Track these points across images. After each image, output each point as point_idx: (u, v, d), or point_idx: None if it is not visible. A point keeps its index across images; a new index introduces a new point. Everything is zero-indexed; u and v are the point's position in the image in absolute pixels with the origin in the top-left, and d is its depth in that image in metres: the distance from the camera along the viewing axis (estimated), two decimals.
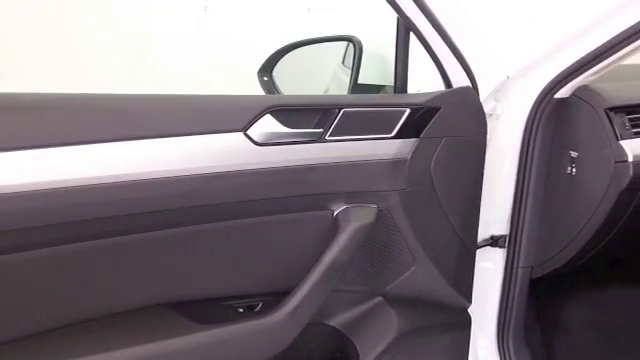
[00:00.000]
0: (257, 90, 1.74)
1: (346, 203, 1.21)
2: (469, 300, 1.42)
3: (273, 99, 1.18)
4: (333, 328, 1.35)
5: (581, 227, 1.31)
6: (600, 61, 1.14)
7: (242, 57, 2.26)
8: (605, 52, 1.12)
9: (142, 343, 1.06)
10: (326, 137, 1.15)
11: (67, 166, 0.95)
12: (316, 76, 1.95)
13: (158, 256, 1.10)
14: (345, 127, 1.16)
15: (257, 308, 1.23)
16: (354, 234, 1.18)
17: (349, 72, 1.66)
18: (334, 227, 1.19)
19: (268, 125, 1.09)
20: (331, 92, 1.89)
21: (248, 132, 1.08)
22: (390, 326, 1.33)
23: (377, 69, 1.67)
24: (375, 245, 1.27)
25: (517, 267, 1.41)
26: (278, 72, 1.73)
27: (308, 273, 1.18)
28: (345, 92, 1.62)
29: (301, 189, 1.15)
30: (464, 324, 1.44)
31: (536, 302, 1.63)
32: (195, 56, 2.54)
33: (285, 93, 1.74)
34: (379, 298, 1.35)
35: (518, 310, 1.44)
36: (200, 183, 1.05)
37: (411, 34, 1.23)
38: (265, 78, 1.72)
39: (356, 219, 1.19)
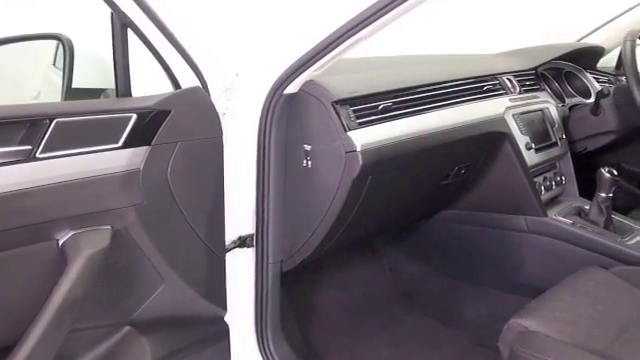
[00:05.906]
0: None
1: (73, 229, 1.07)
2: (224, 308, 1.38)
3: None
4: None
5: (322, 217, 1.37)
6: (322, 56, 1.18)
7: None
8: (325, 48, 1.17)
9: None
10: (37, 155, 0.99)
11: None
12: (21, 80, 1.69)
13: None
14: (61, 140, 1.02)
15: None
16: (87, 263, 1.05)
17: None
18: (61, 259, 1.05)
19: None
20: (43, 99, 1.66)
21: None
22: (143, 356, 1.22)
23: (95, 71, 1.51)
24: (115, 270, 1.16)
25: (267, 263, 1.41)
26: None
27: (35, 319, 1.02)
28: (59, 98, 1.43)
29: (11, 221, 0.98)
30: (222, 334, 1.40)
31: (289, 293, 1.68)
32: None
33: None
34: (127, 328, 1.24)
35: (273, 305, 1.45)
36: None
37: (130, 32, 1.13)
38: None
39: (87, 246, 1.06)
